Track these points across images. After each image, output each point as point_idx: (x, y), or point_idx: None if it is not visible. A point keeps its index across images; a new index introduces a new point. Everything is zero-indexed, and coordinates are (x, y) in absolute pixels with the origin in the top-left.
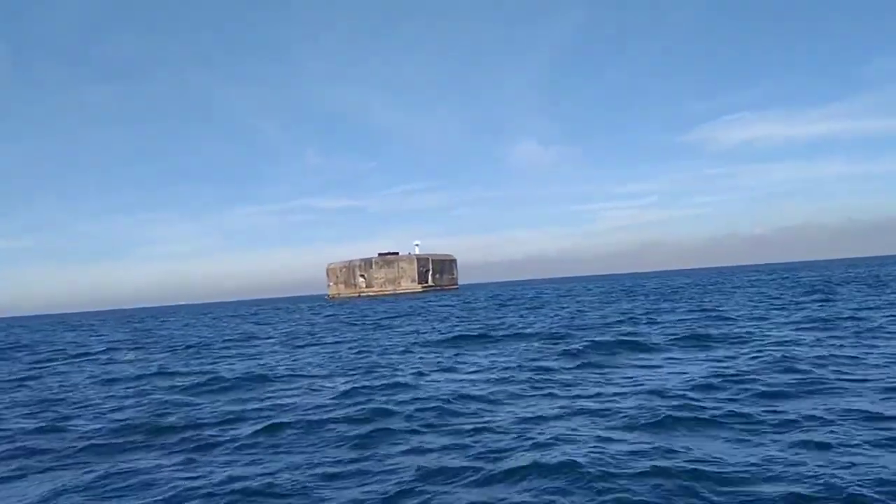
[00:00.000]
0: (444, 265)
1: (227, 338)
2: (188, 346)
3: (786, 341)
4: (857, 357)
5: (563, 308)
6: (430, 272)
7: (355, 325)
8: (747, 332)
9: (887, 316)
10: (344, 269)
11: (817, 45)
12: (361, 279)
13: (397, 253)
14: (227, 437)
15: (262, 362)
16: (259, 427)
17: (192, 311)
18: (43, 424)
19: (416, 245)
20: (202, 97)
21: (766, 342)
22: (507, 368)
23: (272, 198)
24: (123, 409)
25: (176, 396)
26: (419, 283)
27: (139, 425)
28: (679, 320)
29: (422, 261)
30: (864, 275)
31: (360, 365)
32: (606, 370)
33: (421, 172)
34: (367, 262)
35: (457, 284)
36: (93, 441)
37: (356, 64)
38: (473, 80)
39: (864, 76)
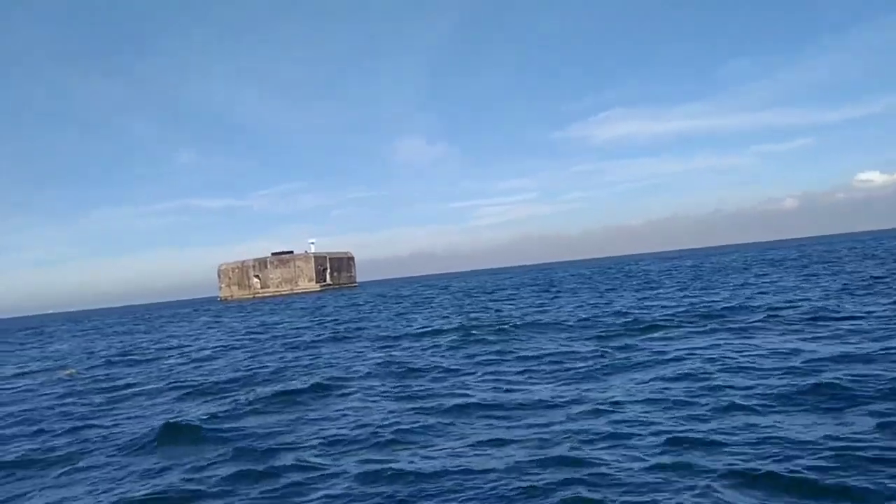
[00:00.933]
0: (342, 263)
1: (162, 345)
2: (126, 355)
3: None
4: None
5: (513, 300)
6: (328, 271)
7: (303, 322)
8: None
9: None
10: (237, 270)
11: (682, 46)
12: (256, 280)
13: (292, 252)
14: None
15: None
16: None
17: (67, 319)
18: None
19: (312, 243)
20: (66, 93)
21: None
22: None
23: (146, 199)
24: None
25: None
26: (317, 282)
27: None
28: (645, 300)
29: (319, 259)
30: (753, 261)
31: (391, 365)
32: (692, 348)
33: (303, 171)
34: (262, 262)
35: (356, 282)
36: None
37: (232, 60)
38: (354, 78)
39: (722, 76)
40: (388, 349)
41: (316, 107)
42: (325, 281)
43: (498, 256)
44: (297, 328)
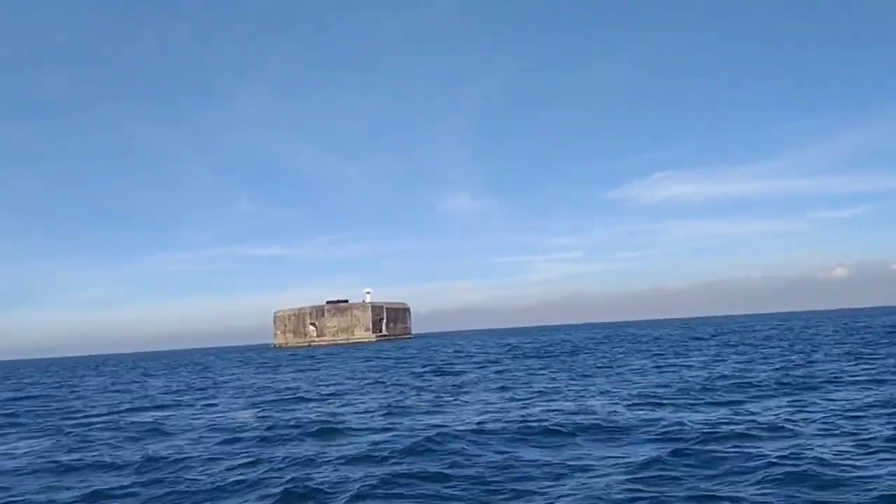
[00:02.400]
0: (398, 314)
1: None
2: (291, 400)
3: None
4: None
5: (665, 359)
6: (384, 321)
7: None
8: None
9: None
10: (293, 318)
11: (738, 106)
12: (312, 328)
13: (346, 301)
14: None
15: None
16: None
17: (119, 360)
18: None
19: (368, 293)
20: (128, 138)
21: None
22: None
23: (197, 244)
24: None
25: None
26: (373, 332)
27: None
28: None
29: (376, 309)
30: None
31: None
32: None
33: (351, 222)
34: (319, 310)
35: (410, 334)
36: None
37: (286, 112)
38: (403, 133)
39: (779, 138)
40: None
41: (366, 159)
42: (380, 331)
43: (547, 314)
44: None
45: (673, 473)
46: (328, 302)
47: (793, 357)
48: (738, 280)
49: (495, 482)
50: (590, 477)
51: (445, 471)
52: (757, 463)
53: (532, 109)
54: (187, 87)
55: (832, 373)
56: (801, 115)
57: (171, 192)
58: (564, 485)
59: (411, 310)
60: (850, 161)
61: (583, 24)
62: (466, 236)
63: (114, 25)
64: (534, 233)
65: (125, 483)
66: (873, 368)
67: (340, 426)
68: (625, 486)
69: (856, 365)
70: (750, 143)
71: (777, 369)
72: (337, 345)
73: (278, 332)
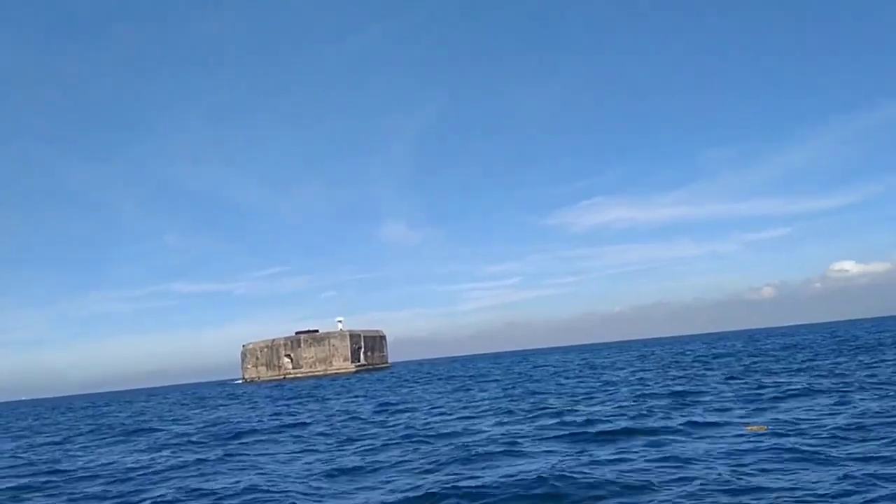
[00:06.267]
0: (376, 342)
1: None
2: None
3: None
4: None
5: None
6: (363, 349)
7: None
8: None
9: None
10: (265, 350)
11: (662, 134)
12: (287, 359)
13: (317, 331)
14: None
15: None
16: None
17: (83, 401)
18: None
19: (340, 321)
20: (46, 174)
21: None
22: None
23: (128, 282)
24: None
25: None
26: (352, 361)
27: None
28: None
29: (354, 337)
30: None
31: None
32: None
33: (287, 255)
34: (294, 341)
35: (388, 363)
36: None
37: (218, 143)
38: (338, 163)
39: (702, 165)
40: None
41: (302, 192)
42: (359, 361)
43: (483, 342)
44: None
45: None
46: (298, 332)
47: None
48: (671, 302)
49: None
50: None
51: None
52: None
53: (465, 139)
54: (115, 120)
55: None
56: (724, 142)
57: (102, 228)
58: None
59: (387, 337)
60: (773, 184)
61: (512, 54)
62: (404, 266)
63: (37, 57)
64: (471, 261)
65: None
66: None
67: None
68: None
69: None
70: (676, 169)
71: None
72: (315, 376)
73: (248, 366)
